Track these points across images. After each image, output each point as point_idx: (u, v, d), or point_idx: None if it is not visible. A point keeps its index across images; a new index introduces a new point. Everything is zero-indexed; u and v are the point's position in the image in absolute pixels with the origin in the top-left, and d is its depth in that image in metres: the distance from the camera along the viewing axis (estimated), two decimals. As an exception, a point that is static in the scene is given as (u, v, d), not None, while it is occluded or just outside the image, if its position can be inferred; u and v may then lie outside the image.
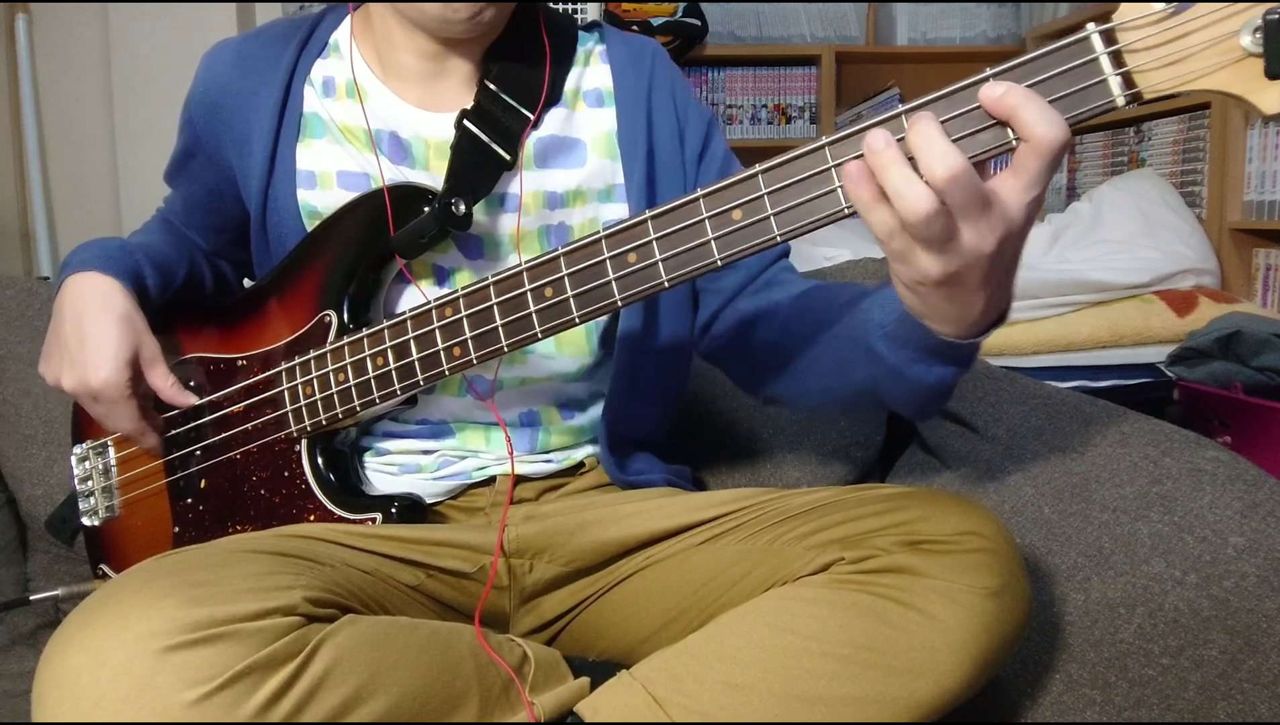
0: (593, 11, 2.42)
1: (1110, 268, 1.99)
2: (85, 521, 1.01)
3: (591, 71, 0.97)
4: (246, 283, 1.11)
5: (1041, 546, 0.90)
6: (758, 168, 0.66)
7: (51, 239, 2.37)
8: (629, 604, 0.87)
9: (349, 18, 0.97)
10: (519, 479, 0.94)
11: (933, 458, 1.21)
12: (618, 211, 0.95)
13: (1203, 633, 0.80)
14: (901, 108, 0.61)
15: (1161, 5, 0.56)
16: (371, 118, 0.91)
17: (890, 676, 0.69)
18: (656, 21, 3.01)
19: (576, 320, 0.74)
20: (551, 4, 2.44)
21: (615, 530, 0.86)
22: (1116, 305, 1.98)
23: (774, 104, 3.22)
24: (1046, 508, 0.94)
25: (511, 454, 0.92)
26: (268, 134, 0.92)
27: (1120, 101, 0.58)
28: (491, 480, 0.93)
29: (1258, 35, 0.54)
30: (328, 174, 0.92)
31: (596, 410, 0.98)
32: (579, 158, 0.94)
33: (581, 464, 0.98)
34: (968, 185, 0.58)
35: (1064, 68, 0.59)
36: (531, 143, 0.92)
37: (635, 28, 2.99)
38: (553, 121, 0.94)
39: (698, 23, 3.04)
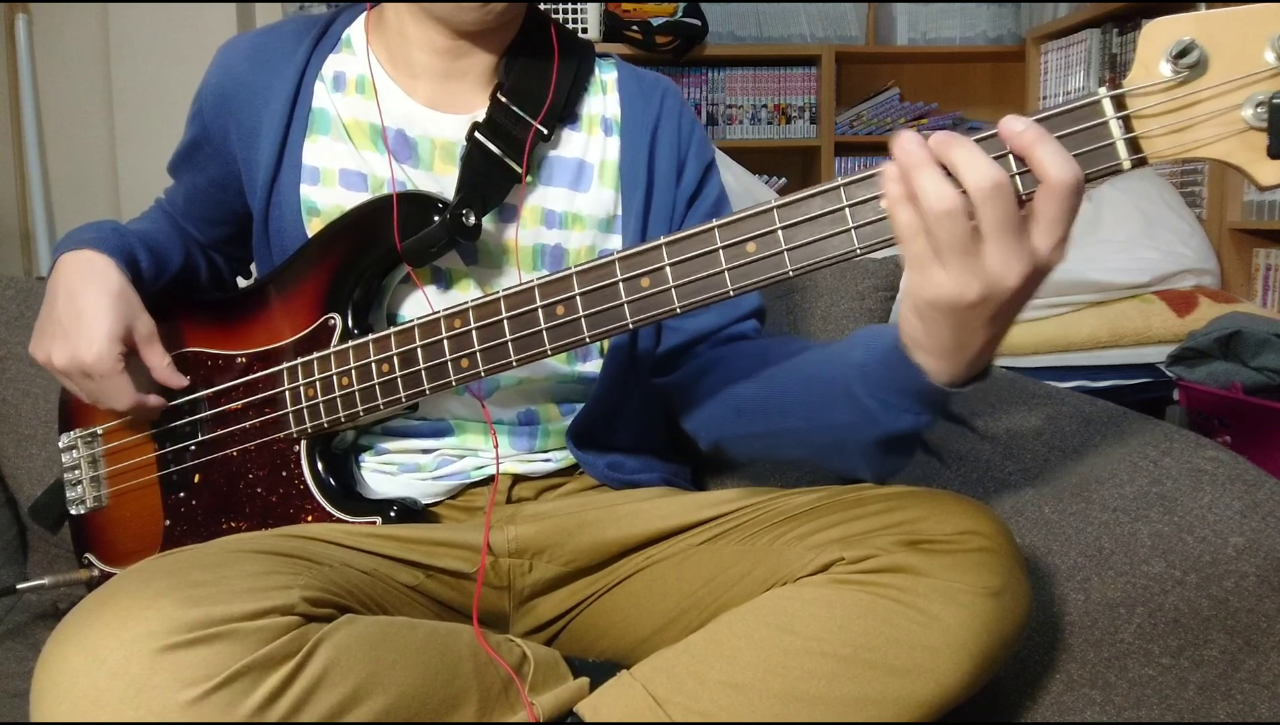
0: (593, 12, 2.42)
1: (1110, 268, 2.00)
2: (72, 510, 1.00)
3: (606, 100, 0.98)
4: (240, 281, 1.11)
5: (1041, 546, 0.90)
6: (773, 202, 0.66)
7: (51, 239, 2.37)
8: (629, 604, 0.87)
9: (364, 15, 0.97)
10: (519, 478, 0.94)
11: (933, 458, 1.20)
12: (615, 243, 0.96)
13: (1203, 633, 0.80)
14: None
15: (1170, 74, 0.58)
16: (381, 114, 0.91)
17: (890, 676, 0.69)
18: (656, 21, 3.01)
19: (587, 339, 0.75)
20: (551, 4, 2.44)
21: (614, 530, 0.86)
22: (1116, 305, 1.98)
23: (774, 104, 3.22)
24: (1046, 508, 0.93)
25: (498, 458, 0.92)
26: (277, 128, 0.92)
27: (1126, 166, 0.60)
28: (491, 480, 0.93)
29: (1260, 110, 0.57)
30: (330, 171, 0.92)
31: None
32: (585, 182, 0.95)
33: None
34: (1008, 199, 0.58)
35: (1075, 128, 0.60)
36: (540, 158, 0.92)
37: (635, 28, 2.99)
38: (567, 142, 0.94)
39: (698, 23, 3.04)
